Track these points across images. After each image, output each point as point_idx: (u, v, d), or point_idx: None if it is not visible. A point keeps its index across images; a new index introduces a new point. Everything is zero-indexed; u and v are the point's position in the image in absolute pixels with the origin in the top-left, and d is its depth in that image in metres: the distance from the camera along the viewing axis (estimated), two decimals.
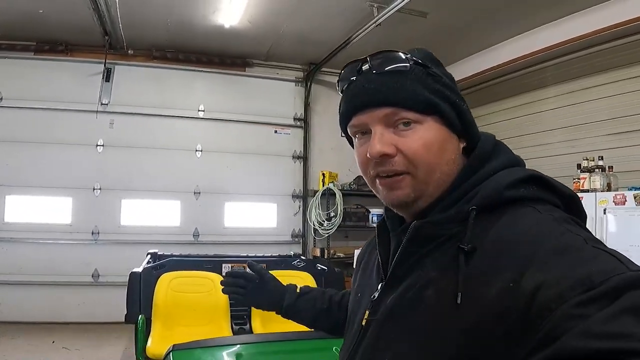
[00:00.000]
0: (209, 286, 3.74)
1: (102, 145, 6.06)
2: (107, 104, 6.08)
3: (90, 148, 6.03)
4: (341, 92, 0.87)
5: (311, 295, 1.28)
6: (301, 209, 6.69)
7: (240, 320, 3.72)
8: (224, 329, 3.59)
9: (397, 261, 0.81)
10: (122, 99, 6.15)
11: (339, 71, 0.88)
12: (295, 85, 6.84)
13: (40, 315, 5.70)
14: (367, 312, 0.85)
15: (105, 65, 5.99)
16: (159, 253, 4.86)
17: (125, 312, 3.70)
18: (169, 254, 4.91)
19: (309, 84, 6.79)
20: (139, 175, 6.12)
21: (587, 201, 3.98)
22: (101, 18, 5.25)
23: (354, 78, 0.83)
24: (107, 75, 6.09)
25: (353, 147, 0.87)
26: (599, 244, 0.63)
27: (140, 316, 3.49)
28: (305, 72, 6.85)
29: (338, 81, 0.88)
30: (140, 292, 3.74)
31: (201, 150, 6.37)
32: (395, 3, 4.68)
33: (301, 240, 6.67)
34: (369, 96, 0.79)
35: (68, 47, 6.02)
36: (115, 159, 6.08)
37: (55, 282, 5.79)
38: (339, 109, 0.86)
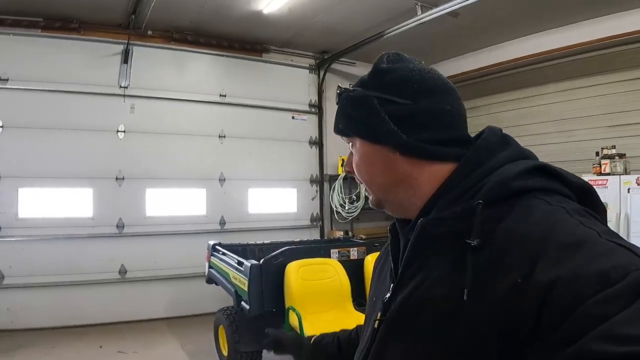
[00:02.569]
0: (331, 272, 3.88)
1: (124, 131, 5.63)
2: (126, 87, 5.64)
3: (110, 134, 5.58)
4: None
5: (323, 344, 1.31)
6: (318, 193, 6.88)
7: (360, 300, 3.92)
8: (351, 312, 3.78)
9: (405, 260, 0.82)
10: (142, 82, 5.75)
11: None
12: (310, 72, 6.92)
13: (62, 319, 5.27)
14: (379, 314, 0.85)
15: (128, 45, 5.53)
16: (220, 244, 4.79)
17: (248, 306, 3.66)
18: (229, 243, 4.88)
19: (322, 72, 6.91)
20: (163, 163, 5.81)
21: (612, 182, 4.87)
22: None
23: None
24: (125, 57, 5.64)
25: None
26: (614, 237, 0.62)
27: (288, 308, 3.55)
28: (317, 60, 6.96)
29: None
30: (261, 284, 3.72)
31: (224, 136, 6.21)
32: (446, 6, 5.09)
33: (319, 224, 6.86)
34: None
35: (81, 25, 5.44)
36: (137, 145, 5.71)
37: (78, 282, 5.35)
38: None
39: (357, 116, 0.86)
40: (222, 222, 6.14)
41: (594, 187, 0.77)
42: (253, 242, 5.07)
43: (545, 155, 5.81)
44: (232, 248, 4.69)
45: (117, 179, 5.57)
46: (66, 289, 5.30)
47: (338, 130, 0.92)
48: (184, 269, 5.79)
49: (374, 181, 0.88)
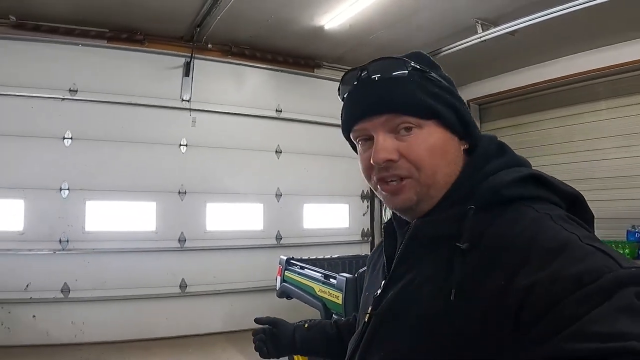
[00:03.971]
0: None
1: (186, 145, 5.63)
2: (188, 101, 5.66)
3: (173, 148, 5.58)
4: (342, 99, 0.91)
5: (320, 326, 1.32)
6: (369, 208, 6.87)
7: None
8: None
9: (398, 258, 0.84)
10: (203, 95, 5.78)
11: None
12: None
13: (126, 332, 5.20)
14: (370, 308, 0.88)
15: (192, 58, 5.58)
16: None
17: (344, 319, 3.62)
18: (305, 257, 4.85)
19: None
20: (222, 177, 5.80)
21: None
22: (210, 7, 4.96)
23: (355, 84, 0.86)
24: (187, 70, 5.68)
25: (356, 152, 0.91)
26: (594, 242, 0.64)
27: None
28: None
29: (339, 88, 0.92)
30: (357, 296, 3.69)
31: (280, 152, 6.22)
32: (506, 25, 5.17)
33: (369, 240, 6.84)
34: (369, 103, 0.82)
35: (145, 37, 5.48)
36: (198, 159, 5.70)
37: (141, 296, 5.30)
38: (341, 116, 0.90)
39: (449, 102, 0.83)
40: (279, 237, 6.11)
41: None
42: (322, 257, 5.05)
43: (605, 170, 5.89)
44: (303, 262, 4.67)
45: (179, 192, 5.56)
46: (129, 303, 5.24)
47: (419, 105, 0.80)
48: (241, 283, 5.75)
49: (441, 171, 0.81)
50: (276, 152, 6.21)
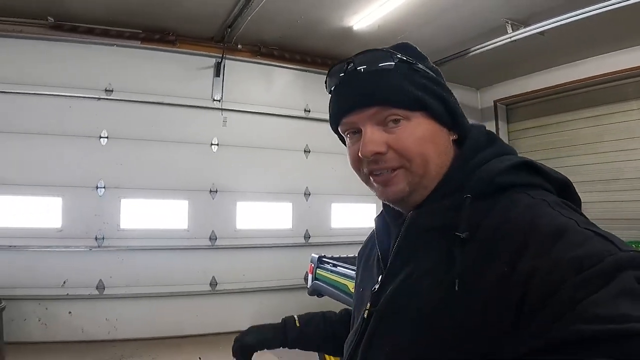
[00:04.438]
0: None
1: (217, 144, 5.69)
2: (219, 101, 5.73)
3: (205, 147, 5.64)
4: (330, 92, 0.89)
5: (313, 322, 1.27)
6: None
7: None
8: None
9: (395, 252, 0.83)
10: (233, 95, 5.84)
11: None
12: None
13: (157, 329, 5.25)
14: (369, 304, 0.86)
15: (223, 58, 5.64)
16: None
17: None
18: (337, 256, 4.86)
19: None
20: (252, 177, 5.86)
21: None
22: (242, 9, 5.01)
23: (342, 77, 0.84)
24: (217, 70, 5.75)
25: (345, 145, 0.91)
26: (591, 226, 0.64)
27: None
28: None
29: (326, 81, 0.90)
30: None
31: (309, 151, 6.26)
32: (536, 25, 5.15)
33: None
34: (356, 96, 0.81)
35: (177, 38, 5.56)
36: (229, 158, 5.76)
37: (172, 293, 5.35)
38: (329, 109, 0.89)
39: (436, 93, 0.82)
40: (307, 236, 6.14)
41: None
42: (352, 255, 5.06)
43: (634, 170, 5.84)
44: (335, 260, 4.68)
45: (210, 191, 5.62)
46: (161, 300, 5.30)
47: (406, 96, 0.79)
48: (271, 281, 5.78)
49: (431, 161, 0.80)
50: (305, 151, 6.24)
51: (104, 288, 5.07)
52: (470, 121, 0.88)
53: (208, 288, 5.55)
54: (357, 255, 1.16)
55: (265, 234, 5.89)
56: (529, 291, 0.58)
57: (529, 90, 6.89)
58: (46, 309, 4.89)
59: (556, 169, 0.80)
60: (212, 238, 5.58)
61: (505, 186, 0.75)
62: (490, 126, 7.38)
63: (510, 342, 0.58)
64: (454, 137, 0.85)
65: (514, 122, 7.42)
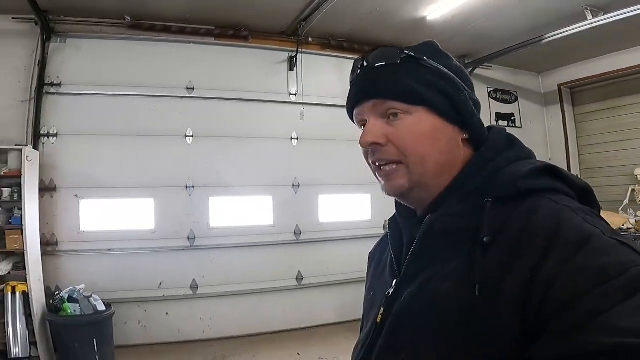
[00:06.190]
0: None
1: (297, 139, 5.65)
2: (295, 94, 5.68)
3: (285, 141, 5.62)
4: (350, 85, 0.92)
5: None
6: None
7: None
8: None
9: (412, 256, 0.81)
10: (307, 89, 5.79)
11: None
12: None
13: (248, 327, 5.24)
14: (382, 308, 0.84)
15: (297, 52, 5.60)
16: None
17: None
18: None
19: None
20: (330, 169, 5.81)
21: None
22: (320, 3, 4.94)
23: (357, 72, 0.87)
24: (291, 64, 5.70)
25: None
26: (616, 235, 0.63)
27: None
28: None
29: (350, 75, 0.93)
30: None
31: None
32: (618, 12, 5.02)
33: None
34: (362, 89, 0.84)
35: (250, 33, 5.51)
36: (309, 152, 5.73)
37: (261, 290, 5.33)
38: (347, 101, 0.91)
39: (442, 88, 0.80)
40: (385, 226, 6.08)
41: None
42: None
43: None
44: None
45: (293, 186, 5.58)
46: (251, 297, 5.28)
47: (402, 90, 0.79)
48: (354, 273, 5.72)
49: (432, 159, 0.79)
50: None
51: (197, 287, 5.05)
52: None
53: (295, 283, 5.52)
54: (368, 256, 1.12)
55: (347, 226, 5.86)
56: (551, 298, 0.57)
57: (596, 74, 6.77)
58: (145, 311, 4.87)
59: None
60: (297, 232, 5.54)
61: (527, 191, 0.73)
62: (555, 110, 7.33)
63: (530, 349, 0.58)
64: (464, 135, 0.83)
65: (579, 106, 7.31)
